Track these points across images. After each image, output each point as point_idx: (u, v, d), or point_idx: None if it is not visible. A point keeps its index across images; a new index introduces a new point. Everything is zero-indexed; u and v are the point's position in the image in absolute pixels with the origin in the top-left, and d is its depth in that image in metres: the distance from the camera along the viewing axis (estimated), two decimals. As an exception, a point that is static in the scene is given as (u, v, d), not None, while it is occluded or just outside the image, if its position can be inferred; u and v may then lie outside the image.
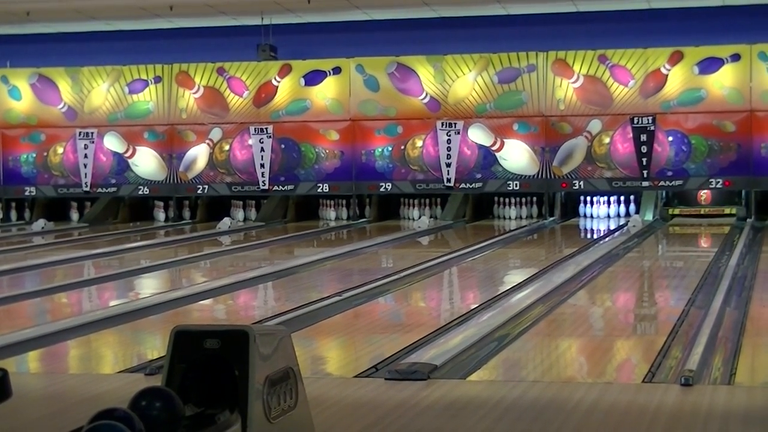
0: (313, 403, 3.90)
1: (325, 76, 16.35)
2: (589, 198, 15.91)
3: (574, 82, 15.57)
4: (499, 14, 16.34)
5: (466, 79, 15.90)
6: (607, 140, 15.46)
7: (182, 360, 3.44)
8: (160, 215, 17.10)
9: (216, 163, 16.63)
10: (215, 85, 16.70)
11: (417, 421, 4.32)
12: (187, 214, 17.03)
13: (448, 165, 15.83)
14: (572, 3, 15.74)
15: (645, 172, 15.29)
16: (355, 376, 5.27)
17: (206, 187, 16.68)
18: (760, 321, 7.05)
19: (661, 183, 15.34)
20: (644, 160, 15.29)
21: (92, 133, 17.01)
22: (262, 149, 16.41)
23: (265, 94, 16.53)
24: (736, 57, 15.08)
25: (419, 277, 9.54)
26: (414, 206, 16.37)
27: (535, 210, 16.10)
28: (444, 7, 16.08)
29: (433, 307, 8.29)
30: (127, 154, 16.95)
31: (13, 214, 17.55)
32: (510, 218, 16.05)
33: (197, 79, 16.76)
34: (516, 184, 15.71)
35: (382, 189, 16.12)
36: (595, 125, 15.48)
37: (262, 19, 16.63)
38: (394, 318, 7.67)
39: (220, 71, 16.68)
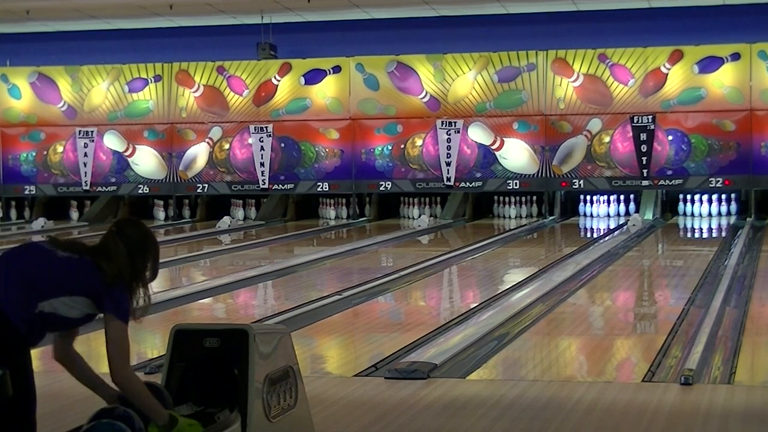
0: (313, 401, 3.90)
1: (325, 74, 16.35)
2: (588, 197, 15.90)
3: (574, 81, 15.56)
4: (498, 13, 16.34)
5: (466, 78, 15.89)
6: (606, 139, 15.46)
7: (182, 359, 3.44)
8: (160, 214, 17.10)
9: (216, 162, 16.63)
10: (215, 84, 16.70)
11: (416, 420, 4.32)
12: (187, 212, 17.03)
13: (448, 164, 15.83)
14: (572, 2, 15.74)
15: (645, 171, 15.29)
16: (355, 375, 5.28)
17: (206, 185, 16.68)
18: (759, 320, 7.05)
19: (661, 182, 15.34)
20: (644, 159, 15.29)
21: (92, 131, 17.01)
22: (262, 148, 16.41)
23: (265, 92, 16.53)
24: (735, 56, 15.08)
25: (419, 276, 9.54)
26: (414, 205, 16.37)
27: (534, 209, 16.10)
28: (444, 6, 16.07)
29: (432, 306, 8.29)
30: (127, 153, 16.95)
31: (13, 213, 17.54)
32: (510, 217, 16.05)
33: (197, 78, 16.76)
34: (516, 183, 15.71)
35: (382, 188, 16.12)
36: (595, 124, 15.48)
37: (262, 17, 16.63)
38: (394, 317, 7.67)
39: (220, 70, 16.68)
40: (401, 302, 8.44)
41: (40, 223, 15.64)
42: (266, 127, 16.41)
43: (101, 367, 5.95)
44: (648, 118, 15.27)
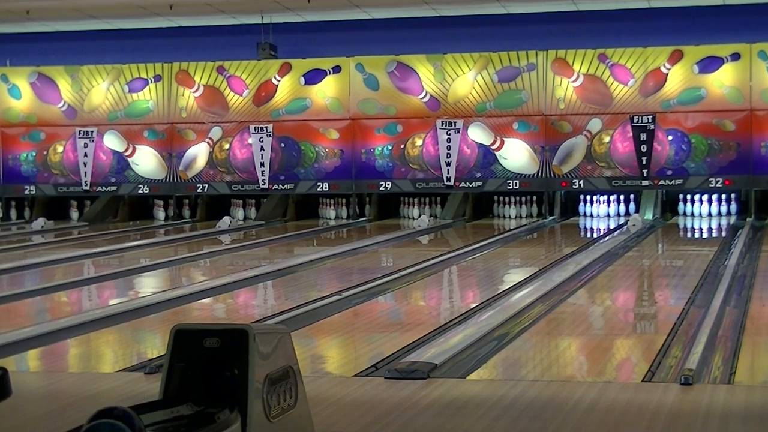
0: (313, 401, 3.90)
1: (325, 74, 16.35)
2: (588, 197, 15.90)
3: (573, 81, 15.57)
4: (498, 13, 16.34)
5: (466, 78, 15.89)
6: (606, 139, 15.46)
7: (182, 359, 3.44)
8: (160, 214, 17.10)
9: (216, 162, 16.63)
10: (215, 84, 16.70)
11: (416, 420, 4.32)
12: (186, 212, 17.03)
13: (448, 164, 15.83)
14: (572, 2, 15.74)
15: (645, 171, 15.29)
16: (355, 375, 5.27)
17: (206, 185, 16.68)
18: (759, 320, 7.05)
19: (661, 182, 15.35)
20: (644, 159, 15.29)
21: (92, 131, 17.01)
22: (262, 148, 16.41)
23: (265, 92, 16.54)
24: (735, 56, 15.08)
25: (419, 276, 9.53)
26: (414, 205, 16.37)
27: (534, 209, 16.11)
28: (444, 6, 16.08)
29: (432, 306, 8.29)
30: (126, 153, 16.95)
31: (13, 213, 17.55)
32: (510, 217, 16.05)
33: (197, 78, 16.76)
34: (516, 183, 15.71)
35: (381, 188, 16.12)
36: (594, 124, 15.49)
37: (262, 17, 16.63)
38: (394, 317, 7.67)
39: (220, 70, 16.68)
40: (401, 302, 8.44)
41: (40, 223, 15.64)
42: (266, 127, 16.42)
43: (101, 366, 5.95)
44: (648, 118, 15.27)
